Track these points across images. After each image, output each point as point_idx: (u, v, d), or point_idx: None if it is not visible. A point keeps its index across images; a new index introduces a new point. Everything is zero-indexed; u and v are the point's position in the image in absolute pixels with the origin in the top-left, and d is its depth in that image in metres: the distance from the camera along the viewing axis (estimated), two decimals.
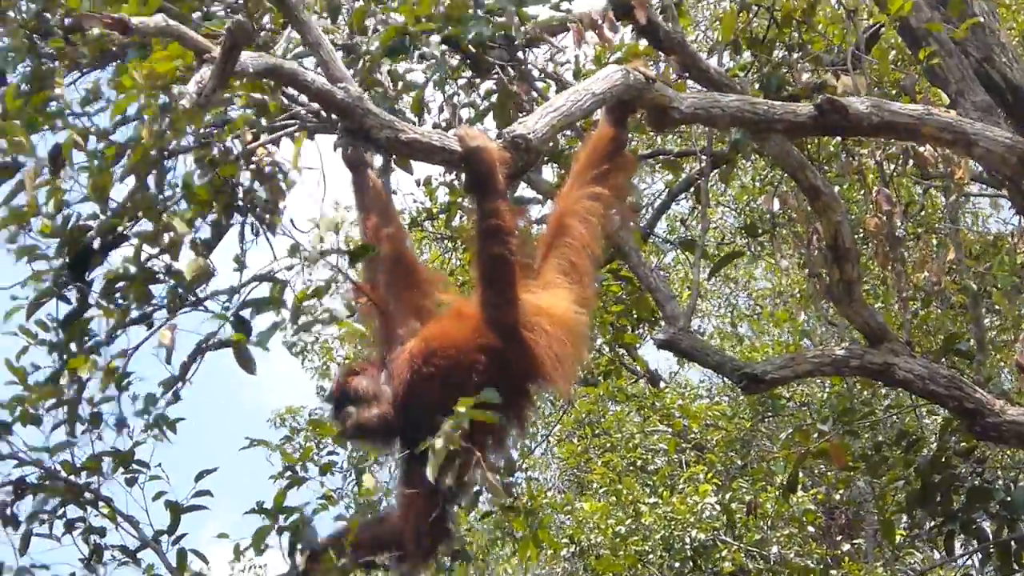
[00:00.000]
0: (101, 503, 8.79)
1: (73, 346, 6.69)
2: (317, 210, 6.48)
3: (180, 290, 6.30)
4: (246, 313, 6.19)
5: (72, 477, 8.59)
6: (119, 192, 6.28)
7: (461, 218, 12.18)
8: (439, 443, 5.61)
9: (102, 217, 6.24)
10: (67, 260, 6.39)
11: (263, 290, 6.24)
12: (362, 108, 5.79)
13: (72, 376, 6.86)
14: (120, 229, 6.32)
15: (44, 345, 6.88)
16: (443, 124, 8.64)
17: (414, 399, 6.19)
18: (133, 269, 6.18)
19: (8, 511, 8.66)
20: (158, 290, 6.37)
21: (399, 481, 6.35)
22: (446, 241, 15.01)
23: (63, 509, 8.70)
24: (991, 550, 9.59)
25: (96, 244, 6.37)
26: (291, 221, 6.28)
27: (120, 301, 6.39)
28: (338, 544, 6.20)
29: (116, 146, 6.20)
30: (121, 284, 6.34)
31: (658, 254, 18.32)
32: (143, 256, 6.19)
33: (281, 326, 6.10)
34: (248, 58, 5.61)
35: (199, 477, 8.24)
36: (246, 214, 6.33)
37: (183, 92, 5.48)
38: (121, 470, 8.18)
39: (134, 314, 6.36)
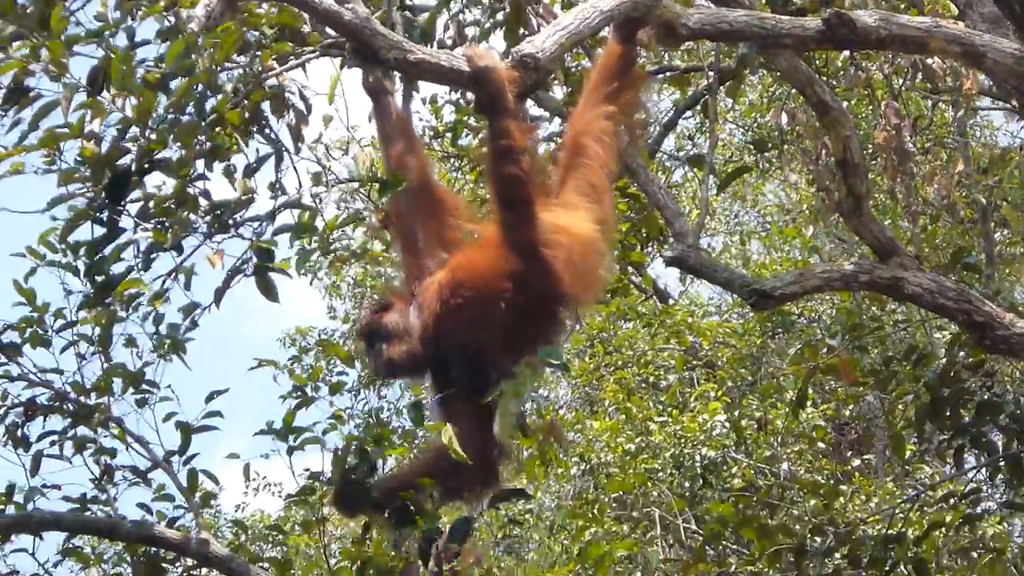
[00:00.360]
0: (111, 424, 8.87)
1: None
2: (339, 134, 6.52)
3: (220, 214, 6.34)
4: (281, 239, 6.25)
5: (82, 398, 8.66)
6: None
7: (467, 137, 12.14)
8: (511, 405, 5.69)
9: (141, 140, 6.24)
10: (105, 183, 6.40)
11: (289, 217, 6.30)
12: (370, 29, 5.78)
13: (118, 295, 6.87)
14: (157, 154, 6.32)
15: (62, 269, 6.89)
16: (448, 42, 8.62)
17: (444, 331, 6.23)
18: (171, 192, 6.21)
19: (19, 432, 8.75)
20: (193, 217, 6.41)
21: (437, 412, 6.34)
22: (453, 160, 14.94)
23: (74, 430, 8.80)
24: (1001, 463, 9.62)
25: (133, 168, 6.38)
26: (325, 147, 6.31)
27: (158, 227, 6.43)
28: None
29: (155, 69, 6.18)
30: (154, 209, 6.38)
31: (666, 171, 18.24)
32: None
33: (312, 253, 6.14)
34: None
35: (209, 398, 8.31)
36: (274, 136, 6.36)
37: (192, 16, 5.45)
38: (131, 391, 8.24)
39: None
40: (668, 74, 11.46)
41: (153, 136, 6.22)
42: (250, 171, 6.34)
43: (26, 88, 6.39)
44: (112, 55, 6.17)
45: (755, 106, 18.38)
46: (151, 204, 6.32)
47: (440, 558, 6.17)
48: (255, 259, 6.30)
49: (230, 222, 6.33)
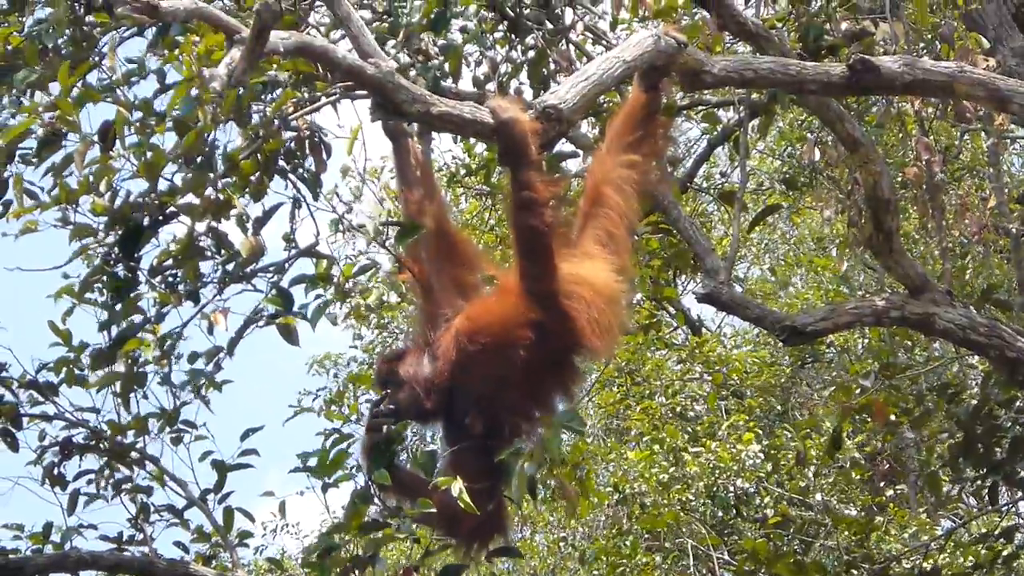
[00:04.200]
0: (147, 463, 8.92)
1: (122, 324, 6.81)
2: (357, 179, 6.56)
3: (230, 268, 6.41)
4: (295, 289, 6.30)
5: (118, 437, 8.72)
6: (167, 169, 6.38)
7: (499, 173, 12.18)
8: (528, 468, 5.71)
9: (153, 195, 6.32)
10: (118, 237, 6.48)
11: (306, 265, 6.35)
12: (393, 83, 5.78)
13: (125, 354, 6.97)
14: (170, 208, 6.39)
15: (93, 319, 6.96)
16: (482, 77, 8.66)
17: (459, 378, 6.21)
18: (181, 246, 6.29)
19: (56, 471, 8.82)
20: (206, 267, 6.48)
21: (447, 463, 6.32)
22: (484, 197, 15.00)
23: (110, 469, 8.85)
24: None
25: (146, 222, 6.46)
26: (336, 194, 6.36)
27: (170, 279, 6.50)
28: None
29: (162, 123, 6.26)
30: (169, 261, 6.45)
31: (697, 204, 18.25)
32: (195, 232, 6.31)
33: (330, 304, 6.20)
34: (278, 37, 5.63)
35: (244, 436, 8.33)
36: (290, 184, 6.41)
37: (214, 75, 5.50)
38: (167, 430, 8.29)
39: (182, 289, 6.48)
40: (699, 108, 11.51)
41: (164, 189, 6.31)
42: (260, 224, 6.39)
43: (58, 136, 6.49)
44: (122, 109, 6.27)
45: (785, 135, 18.39)
46: (160, 258, 6.42)
47: None
48: (273, 307, 6.35)
49: (241, 274, 6.39)
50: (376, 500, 6.18)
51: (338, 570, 6.09)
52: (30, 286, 7.30)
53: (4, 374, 8.68)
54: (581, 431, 6.01)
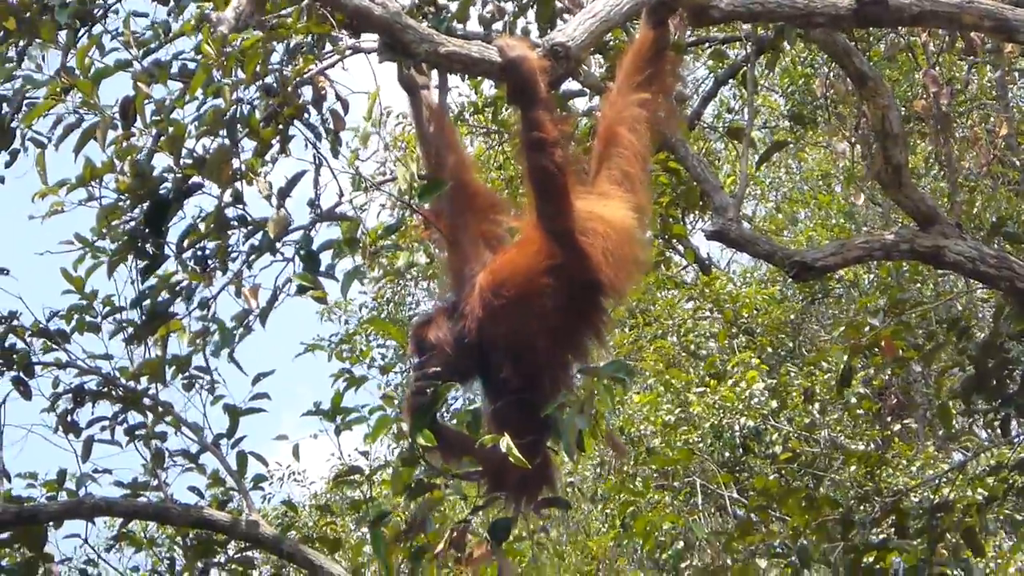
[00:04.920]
0: (160, 409, 8.95)
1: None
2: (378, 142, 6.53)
3: (256, 240, 6.42)
4: (324, 256, 6.30)
5: (131, 383, 8.75)
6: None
7: (506, 110, 12.14)
8: (579, 422, 5.70)
9: (176, 169, 6.31)
10: (144, 212, 6.48)
11: (332, 230, 6.35)
12: (400, 23, 5.76)
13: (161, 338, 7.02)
14: (194, 179, 6.39)
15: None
16: (488, 16, 8.62)
17: (489, 333, 6.17)
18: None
19: (69, 419, 8.85)
20: (232, 240, 6.49)
21: (490, 419, 6.28)
22: (492, 135, 14.95)
23: (123, 416, 8.89)
24: None
25: (171, 196, 6.46)
26: (350, 149, 6.34)
27: (198, 254, 6.52)
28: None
29: (181, 99, 6.27)
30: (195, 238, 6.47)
31: (706, 142, 18.19)
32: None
33: (360, 269, 6.19)
34: None
35: (256, 380, 8.36)
36: (310, 146, 6.40)
37: (221, 18, 5.47)
38: (180, 376, 8.31)
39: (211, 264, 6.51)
40: (707, 45, 11.45)
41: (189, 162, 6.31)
42: (283, 193, 6.38)
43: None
44: (141, 85, 6.26)
45: (791, 71, 18.32)
46: (191, 237, 6.45)
47: (456, 542, 6.19)
48: (303, 268, 6.35)
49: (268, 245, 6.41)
50: (422, 461, 6.17)
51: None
52: (41, 237, 7.29)
53: (15, 323, 8.71)
54: (629, 381, 5.97)
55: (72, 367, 8.83)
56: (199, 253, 6.59)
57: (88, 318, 8.26)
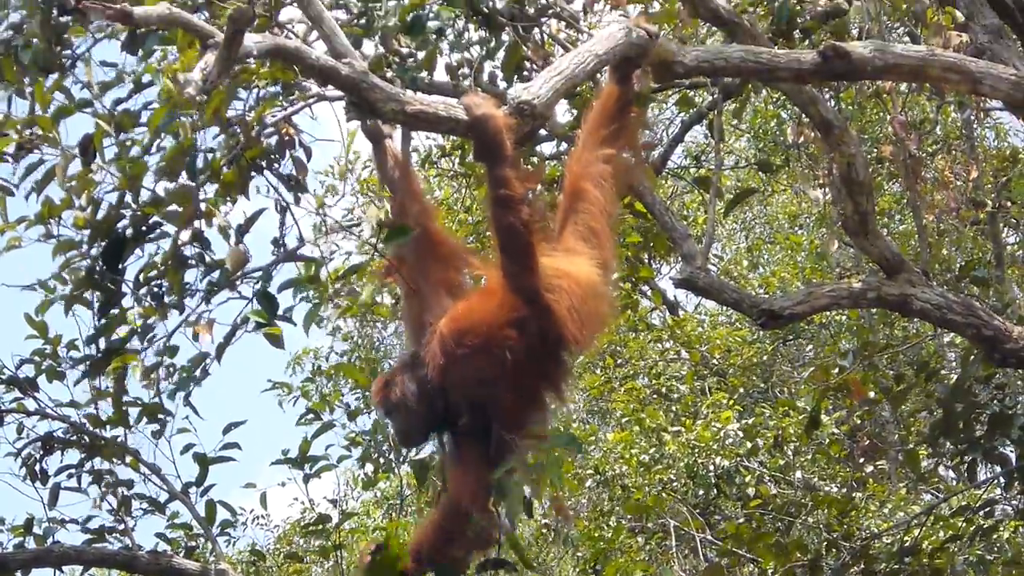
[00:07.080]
0: (127, 456, 8.91)
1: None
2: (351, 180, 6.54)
3: (214, 277, 6.42)
4: (282, 296, 6.31)
5: (98, 430, 8.72)
6: (148, 180, 6.40)
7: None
8: (521, 489, 5.73)
9: (134, 207, 6.33)
10: (101, 250, 6.49)
11: (293, 267, 6.36)
12: (366, 83, 5.76)
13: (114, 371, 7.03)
14: (153, 219, 6.40)
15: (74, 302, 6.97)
16: (455, 64, 8.65)
17: (450, 381, 6.17)
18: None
19: (37, 467, 8.81)
20: (190, 276, 6.50)
21: (449, 463, 6.35)
22: (460, 177, 14.96)
23: (90, 463, 8.85)
24: (1014, 475, 9.64)
25: (129, 233, 6.46)
26: (315, 194, 6.36)
27: (155, 290, 6.52)
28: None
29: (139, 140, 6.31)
30: (154, 273, 6.47)
31: (673, 188, 18.23)
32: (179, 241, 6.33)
33: (320, 308, 6.20)
34: (252, 41, 5.60)
35: (227, 430, 8.34)
36: (272, 190, 6.42)
37: (188, 80, 5.49)
38: (144, 421, 8.29)
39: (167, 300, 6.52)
40: (673, 91, 11.52)
41: (146, 200, 6.33)
42: (242, 232, 6.39)
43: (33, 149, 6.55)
44: (101, 122, 6.28)
45: (760, 113, 18.41)
46: (146, 272, 6.46)
47: None
48: (260, 307, 6.35)
49: (226, 282, 6.41)
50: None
51: None
52: (5, 289, 7.31)
53: None
54: (580, 452, 6.00)
55: (38, 415, 8.79)
56: (155, 290, 6.59)
57: (52, 363, 8.23)
